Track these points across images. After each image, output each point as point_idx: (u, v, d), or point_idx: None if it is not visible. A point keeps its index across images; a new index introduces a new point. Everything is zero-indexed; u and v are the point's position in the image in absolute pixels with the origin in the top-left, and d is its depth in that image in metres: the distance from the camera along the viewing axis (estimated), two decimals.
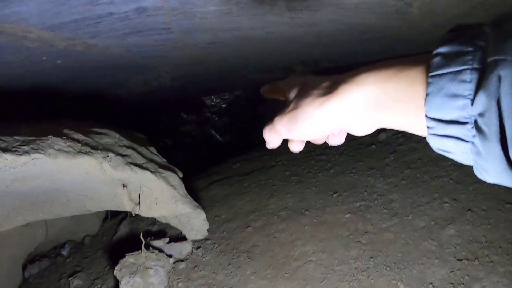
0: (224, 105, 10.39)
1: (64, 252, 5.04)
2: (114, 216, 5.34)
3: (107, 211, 5.20)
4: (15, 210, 3.64)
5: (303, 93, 0.85)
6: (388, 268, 3.22)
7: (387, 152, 4.77)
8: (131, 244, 4.09)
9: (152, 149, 4.03)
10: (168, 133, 9.62)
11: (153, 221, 4.60)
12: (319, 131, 0.84)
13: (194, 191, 4.89)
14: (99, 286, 4.06)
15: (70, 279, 4.34)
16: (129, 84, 5.85)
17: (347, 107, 0.77)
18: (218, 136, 9.43)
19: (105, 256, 4.53)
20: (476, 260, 3.11)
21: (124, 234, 4.72)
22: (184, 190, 3.78)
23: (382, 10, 3.41)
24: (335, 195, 4.21)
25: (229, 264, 3.68)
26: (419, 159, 4.45)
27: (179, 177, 3.83)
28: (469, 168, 2.51)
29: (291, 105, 0.87)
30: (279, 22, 3.56)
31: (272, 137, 0.96)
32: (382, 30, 4.15)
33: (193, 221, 3.85)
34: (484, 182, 2.96)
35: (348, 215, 3.87)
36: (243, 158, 5.90)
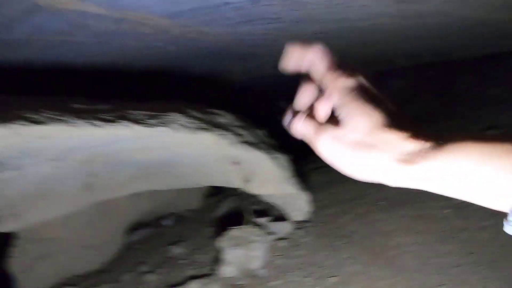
0: None
1: (166, 223, 5.66)
2: (215, 194, 5.95)
3: (210, 187, 5.78)
4: (130, 178, 4.26)
5: (377, 127, 0.72)
6: (481, 267, 3.39)
7: None
8: (233, 221, 4.64)
9: (263, 132, 4.55)
10: (265, 121, 9.83)
11: (256, 200, 5.13)
12: (369, 178, 0.80)
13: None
14: (200, 255, 4.66)
15: (170, 247, 4.99)
16: (232, 71, 6.46)
17: (429, 178, 0.73)
18: None
19: (206, 229, 5.14)
20: None
21: (227, 212, 5.28)
22: (292, 171, 4.33)
23: (490, 2, 3.56)
24: None
25: (327, 246, 4.17)
26: None
27: (288, 158, 4.33)
28: None
29: (354, 131, 0.74)
30: (386, 13, 3.73)
31: (300, 134, 0.84)
32: (489, 24, 4.30)
33: (297, 202, 4.43)
34: None
35: (447, 210, 4.18)
36: None
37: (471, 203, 1.69)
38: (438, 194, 1.64)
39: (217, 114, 4.08)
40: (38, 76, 4.65)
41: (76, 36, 3.37)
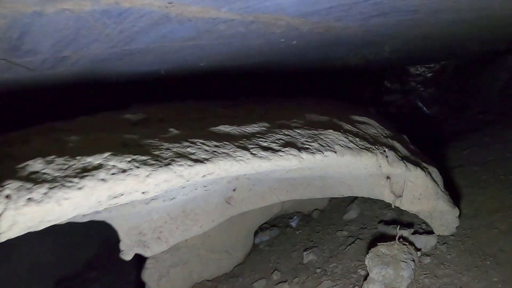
0: (430, 74, 10.17)
1: (293, 223, 5.48)
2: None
3: None
4: (271, 190, 4.04)
5: None
6: None
7: None
8: (364, 226, 4.31)
9: (405, 136, 4.22)
10: (372, 102, 9.64)
11: (386, 205, 4.82)
12: None
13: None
14: (334, 265, 4.39)
15: (304, 253, 4.73)
16: (347, 57, 6.19)
17: None
18: (425, 108, 9.28)
19: (337, 234, 4.79)
20: None
21: (355, 215, 5.02)
22: (443, 185, 3.94)
23: None
24: None
25: (475, 266, 3.80)
26: None
27: (437, 169, 3.96)
28: None
29: None
30: None
31: None
32: None
33: (445, 217, 4.05)
34: None
35: None
36: (471, 143, 5.88)
37: None
38: None
39: (364, 123, 3.78)
40: (159, 83, 4.59)
41: (201, 40, 3.23)
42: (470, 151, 5.71)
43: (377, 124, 3.85)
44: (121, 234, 3.42)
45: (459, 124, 7.87)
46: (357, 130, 3.48)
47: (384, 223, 4.55)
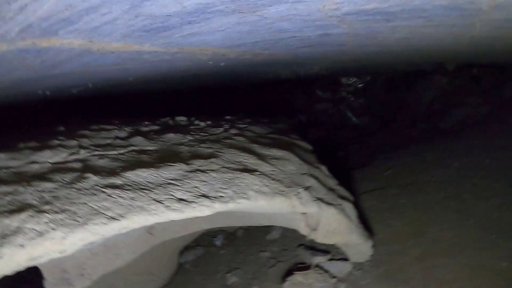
0: (361, 85, 10.40)
1: (218, 242, 5.56)
2: None
3: None
4: (193, 220, 4.03)
5: None
6: None
7: None
8: (285, 247, 4.41)
9: (324, 168, 4.37)
10: (303, 110, 9.74)
11: None
12: None
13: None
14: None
15: (227, 275, 4.82)
16: (278, 72, 6.32)
17: None
18: (354, 118, 9.47)
19: (260, 255, 4.91)
20: None
21: (278, 235, 5.14)
22: (357, 219, 4.14)
23: None
24: (494, 236, 4.30)
25: None
26: None
27: (352, 203, 4.11)
28: None
29: None
30: (452, 43, 3.81)
31: None
32: None
33: (359, 247, 4.19)
34: None
35: (505, 263, 3.91)
36: (394, 163, 6.04)
37: None
38: (496, 240, 3.43)
39: (283, 159, 3.90)
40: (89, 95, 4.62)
41: (127, 65, 3.31)
42: (392, 172, 5.86)
43: (296, 159, 3.95)
44: (45, 273, 3.42)
45: (386, 137, 8.03)
46: (273, 170, 3.59)
47: (304, 247, 4.67)
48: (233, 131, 4.30)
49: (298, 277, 4.03)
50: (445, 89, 9.02)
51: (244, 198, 3.13)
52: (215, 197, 3.01)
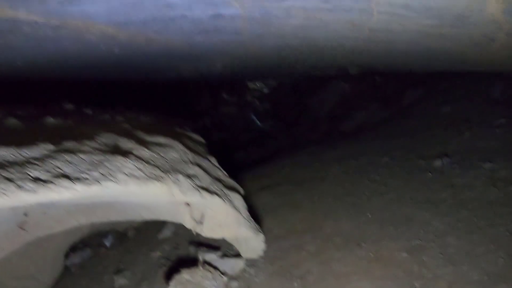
0: (267, 90, 10.37)
1: (107, 243, 5.13)
2: None
3: None
4: (69, 213, 3.71)
5: None
6: None
7: (444, 185, 4.74)
8: (177, 246, 4.25)
9: (213, 159, 4.08)
10: (208, 112, 9.58)
11: None
12: None
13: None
14: None
15: (115, 277, 4.42)
16: (180, 69, 6.06)
17: None
18: (258, 122, 9.35)
19: (151, 255, 4.52)
20: None
21: (170, 233, 4.79)
22: (247, 212, 3.85)
23: (461, 41, 3.49)
24: (391, 228, 4.21)
25: None
26: (476, 199, 4.41)
27: (242, 196, 3.80)
28: None
29: None
30: (357, 38, 3.67)
31: None
32: (456, 54, 4.21)
33: (250, 242, 3.89)
34: None
35: (404, 254, 3.84)
36: (292, 161, 5.85)
37: (425, 247, 3.51)
38: (393, 232, 3.47)
39: (165, 145, 3.55)
40: None
41: (11, 41, 3.08)
42: (290, 169, 5.66)
43: (181, 147, 3.61)
44: None
45: (288, 139, 7.90)
46: (151, 155, 3.22)
47: (195, 245, 4.32)
48: (119, 118, 3.92)
49: (185, 275, 3.67)
50: (347, 94, 9.10)
51: (112, 181, 2.74)
52: (77, 178, 2.61)
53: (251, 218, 3.87)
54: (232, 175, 4.16)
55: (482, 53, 3.97)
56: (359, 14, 3.01)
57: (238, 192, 3.83)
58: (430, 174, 5.01)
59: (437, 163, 5.14)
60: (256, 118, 9.90)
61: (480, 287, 3.40)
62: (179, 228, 4.74)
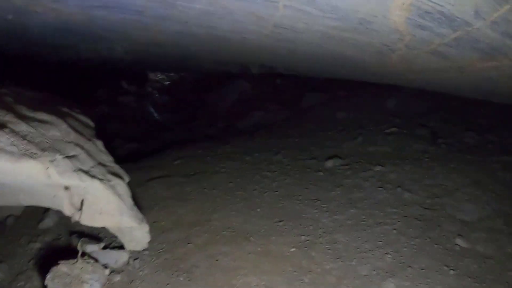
0: (168, 82, 10.15)
1: None
2: None
3: None
4: None
5: None
6: None
7: (334, 185, 4.74)
8: (59, 237, 4.06)
9: (99, 143, 3.79)
10: (106, 101, 9.14)
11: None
12: None
13: (132, 186, 4.57)
14: (22, 283, 3.75)
15: None
16: (79, 47, 5.79)
17: None
18: (155, 114, 9.04)
19: (30, 246, 4.15)
20: None
21: (52, 223, 4.40)
22: (131, 200, 3.57)
23: (363, 47, 3.44)
24: (280, 223, 4.11)
25: (168, 283, 3.43)
26: (365, 199, 4.45)
27: (126, 183, 3.52)
28: (413, 220, 4.04)
29: None
30: (261, 33, 3.55)
31: None
32: (355, 61, 4.18)
33: (135, 233, 3.61)
34: (426, 238, 3.35)
35: (293, 249, 3.76)
36: (185, 154, 5.63)
37: (314, 242, 3.69)
38: (282, 227, 3.65)
39: (47, 122, 3.25)
40: None
41: None
42: (182, 162, 5.43)
43: (65, 127, 3.29)
44: None
45: (184, 133, 7.66)
46: (29, 131, 2.89)
47: (77, 235, 3.97)
48: (2, 90, 3.52)
49: (62, 268, 3.30)
50: (248, 93, 9.05)
51: None
52: None
53: (135, 207, 3.58)
54: (121, 165, 3.87)
55: (382, 63, 3.97)
56: (265, 6, 2.85)
57: (122, 179, 3.53)
58: (321, 173, 4.97)
59: (329, 163, 5.13)
60: (154, 110, 9.61)
61: (368, 282, 3.38)
62: (62, 218, 4.35)
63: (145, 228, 3.62)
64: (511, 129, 5.79)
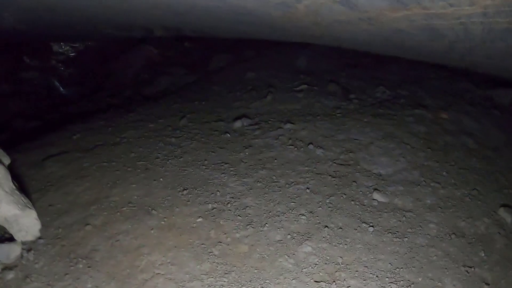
0: (73, 54, 9.54)
1: None
2: None
3: None
4: None
5: None
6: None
7: (242, 146, 4.47)
8: None
9: None
10: (6, 78, 8.45)
11: None
12: None
13: (26, 167, 4.21)
14: None
15: None
16: None
17: None
18: (61, 88, 8.46)
19: None
20: (334, 283, 2.91)
21: None
22: (11, 184, 3.18)
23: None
24: (185, 192, 3.80)
25: (66, 273, 3.07)
26: (275, 158, 4.21)
27: (5, 166, 3.16)
28: (326, 177, 3.93)
29: None
30: None
31: None
32: (260, 15, 3.96)
33: (21, 220, 3.20)
34: (341, 195, 3.70)
35: (200, 219, 3.49)
36: (85, 126, 5.17)
37: (222, 209, 3.48)
38: (187, 196, 3.46)
39: None
40: None
41: None
42: (80, 136, 4.96)
43: None
44: None
45: (89, 105, 7.16)
46: None
47: None
48: None
49: None
50: (154, 59, 8.65)
51: None
52: None
53: (17, 191, 3.19)
54: (18, 145, 3.41)
55: (288, 16, 3.73)
56: None
57: (1, 162, 3.11)
58: (228, 135, 4.68)
59: (237, 124, 4.85)
60: (59, 84, 9.00)
61: (283, 247, 3.18)
62: None
63: (32, 214, 3.23)
64: (422, 84, 5.76)
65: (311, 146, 4.30)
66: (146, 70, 8.33)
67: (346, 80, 5.94)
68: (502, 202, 3.68)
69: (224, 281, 2.95)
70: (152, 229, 3.40)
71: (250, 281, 2.95)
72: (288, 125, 4.70)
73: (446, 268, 3.09)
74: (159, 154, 4.39)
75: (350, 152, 4.24)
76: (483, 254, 3.24)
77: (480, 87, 5.61)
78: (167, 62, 8.45)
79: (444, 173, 3.99)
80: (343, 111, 5.05)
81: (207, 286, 2.93)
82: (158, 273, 3.03)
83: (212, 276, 2.99)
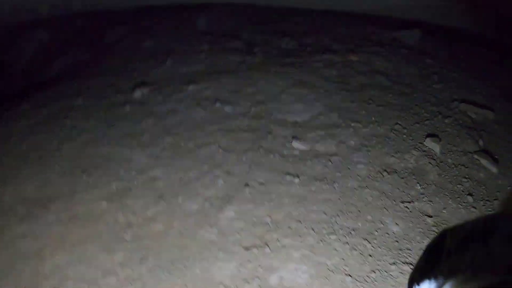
0: None
1: None
2: None
3: None
4: None
5: None
6: (165, 272, 2.58)
7: (144, 115, 4.03)
8: None
9: None
10: None
11: None
12: None
13: None
14: None
15: None
16: None
17: None
18: None
19: None
20: (267, 246, 2.63)
21: None
22: None
23: None
24: (84, 175, 3.36)
25: None
26: (181, 122, 3.81)
27: None
28: (239, 133, 3.59)
29: None
30: None
31: None
32: None
33: None
34: (258, 149, 3.29)
35: (104, 203, 3.08)
36: None
37: (128, 187, 2.89)
38: (87, 179, 2.95)
39: None
40: None
41: None
42: None
43: None
44: None
45: None
46: None
47: None
48: None
49: None
50: (47, 42, 7.91)
51: None
52: None
53: None
54: None
55: None
56: None
57: None
58: (129, 106, 4.23)
59: (137, 94, 4.40)
60: None
61: (202, 216, 2.87)
62: None
63: None
64: (329, 31, 5.45)
65: (218, 104, 3.94)
66: (39, 55, 7.69)
67: (249, 35, 5.61)
68: (427, 133, 3.46)
69: (143, 270, 2.61)
70: (51, 225, 2.99)
71: (171, 262, 2.62)
72: (192, 86, 4.33)
73: (384, 208, 2.84)
74: (53, 140, 3.92)
75: (261, 104, 3.92)
76: (419, 187, 3.01)
77: (386, 30, 5.39)
78: (61, 43, 7.85)
79: (363, 112, 3.72)
80: (249, 65, 4.72)
81: (124, 279, 2.58)
82: (67, 276, 2.66)
83: (128, 266, 2.64)
